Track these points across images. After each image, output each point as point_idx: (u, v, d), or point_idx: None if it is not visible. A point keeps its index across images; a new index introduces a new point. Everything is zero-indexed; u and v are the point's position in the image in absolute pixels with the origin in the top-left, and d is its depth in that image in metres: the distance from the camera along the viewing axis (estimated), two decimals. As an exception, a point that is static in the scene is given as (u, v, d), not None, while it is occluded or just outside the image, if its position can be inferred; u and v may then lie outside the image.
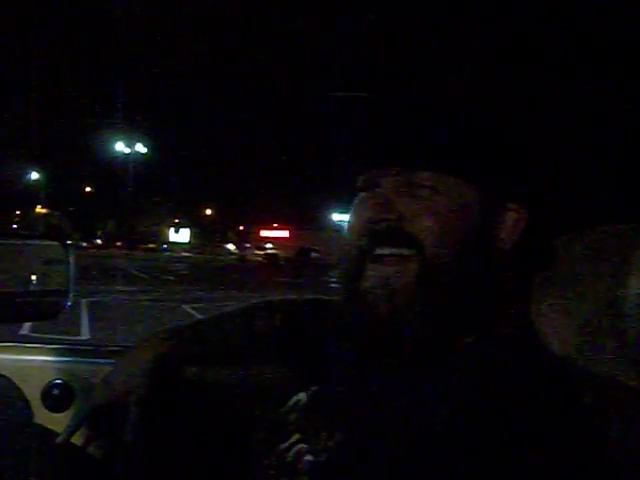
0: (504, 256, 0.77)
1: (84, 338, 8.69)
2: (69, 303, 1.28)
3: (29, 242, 1.53)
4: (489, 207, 0.77)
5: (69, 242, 1.31)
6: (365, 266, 0.76)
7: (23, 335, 7.18)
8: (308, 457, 0.76)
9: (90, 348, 1.37)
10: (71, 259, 1.30)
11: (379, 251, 0.75)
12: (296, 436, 0.80)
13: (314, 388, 0.85)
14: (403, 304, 0.73)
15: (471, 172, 0.76)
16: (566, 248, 0.79)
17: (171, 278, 23.86)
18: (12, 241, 1.54)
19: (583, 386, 0.68)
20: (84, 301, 11.94)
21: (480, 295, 0.75)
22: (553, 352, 0.73)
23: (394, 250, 0.74)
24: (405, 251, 0.74)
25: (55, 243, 1.35)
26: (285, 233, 58.72)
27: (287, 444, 0.80)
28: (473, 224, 0.75)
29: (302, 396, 0.86)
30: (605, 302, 0.69)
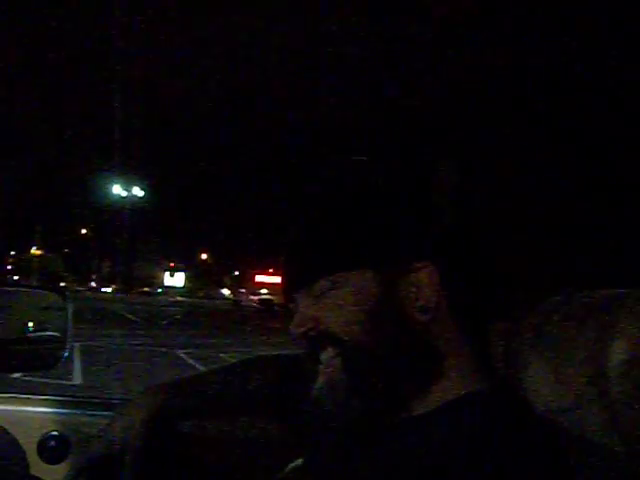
0: (429, 324, 0.77)
1: (77, 383, 8.60)
2: (67, 353, 1.29)
3: (26, 290, 1.54)
4: (389, 282, 0.78)
5: (63, 284, 1.32)
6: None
7: (15, 379, 7.09)
8: None
9: (86, 400, 1.37)
10: (69, 308, 1.31)
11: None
12: None
13: (308, 456, 0.87)
14: (339, 398, 0.77)
15: (353, 259, 0.79)
16: (552, 310, 0.80)
17: (165, 322, 23.73)
18: (8, 289, 1.56)
19: (567, 449, 0.69)
20: (77, 345, 11.81)
21: (411, 368, 0.77)
22: (537, 414, 0.75)
23: (324, 353, 0.80)
24: (331, 350, 0.79)
25: (53, 293, 1.37)
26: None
27: None
28: (378, 306, 0.77)
29: (300, 462, 0.87)
30: (590, 365, 0.71)
